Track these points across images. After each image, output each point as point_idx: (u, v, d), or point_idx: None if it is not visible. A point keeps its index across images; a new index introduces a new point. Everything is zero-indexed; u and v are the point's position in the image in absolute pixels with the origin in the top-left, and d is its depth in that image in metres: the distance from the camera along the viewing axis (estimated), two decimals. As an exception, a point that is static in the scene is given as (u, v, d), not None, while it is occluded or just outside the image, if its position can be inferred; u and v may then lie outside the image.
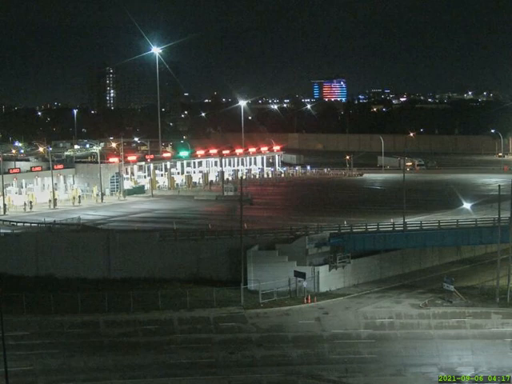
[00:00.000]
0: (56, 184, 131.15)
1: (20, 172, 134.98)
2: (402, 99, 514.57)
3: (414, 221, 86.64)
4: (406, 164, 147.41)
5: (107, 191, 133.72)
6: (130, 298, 69.76)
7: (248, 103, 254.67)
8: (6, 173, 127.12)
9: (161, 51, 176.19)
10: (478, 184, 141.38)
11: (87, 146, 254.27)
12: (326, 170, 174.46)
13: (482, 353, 55.45)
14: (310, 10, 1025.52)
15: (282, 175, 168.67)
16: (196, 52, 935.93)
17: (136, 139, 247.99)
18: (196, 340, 60.26)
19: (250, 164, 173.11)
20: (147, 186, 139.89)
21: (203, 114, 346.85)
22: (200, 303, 70.50)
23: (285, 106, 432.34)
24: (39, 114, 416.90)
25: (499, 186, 74.82)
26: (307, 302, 71.40)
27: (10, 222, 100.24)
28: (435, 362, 53.46)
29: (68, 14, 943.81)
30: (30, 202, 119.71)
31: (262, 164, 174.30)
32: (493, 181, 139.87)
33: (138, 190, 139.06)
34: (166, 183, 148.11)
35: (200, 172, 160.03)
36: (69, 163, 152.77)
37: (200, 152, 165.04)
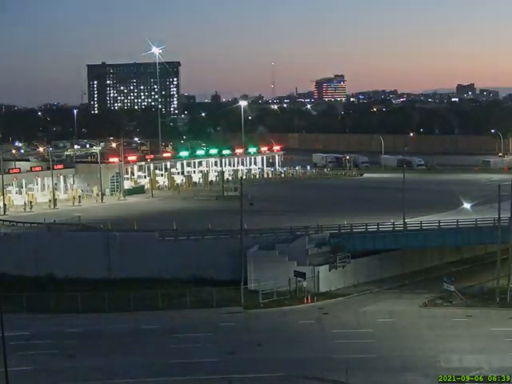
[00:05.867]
0: (56, 184, 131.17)
1: (20, 172, 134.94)
2: (401, 99, 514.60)
3: (414, 221, 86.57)
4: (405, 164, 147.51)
5: (107, 191, 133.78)
6: (130, 298, 69.77)
7: (248, 103, 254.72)
8: (6, 173, 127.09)
9: (161, 51, 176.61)
10: (476, 184, 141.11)
11: (87, 145, 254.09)
12: (325, 169, 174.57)
13: (482, 353, 55.39)
14: (310, 9, 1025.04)
15: (282, 175, 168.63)
16: (196, 51, 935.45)
17: (136, 139, 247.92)
18: (196, 340, 60.24)
19: (250, 164, 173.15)
20: (147, 186, 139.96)
21: (203, 114, 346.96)
22: (200, 303, 70.50)
23: (285, 106, 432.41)
24: (39, 113, 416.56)
25: (499, 185, 74.75)
26: (307, 302, 71.40)
27: (10, 222, 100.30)
28: (435, 362, 53.41)
29: (68, 13, 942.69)
30: (30, 202, 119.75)
31: (262, 164, 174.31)
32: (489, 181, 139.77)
33: (138, 190, 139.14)
34: (166, 183, 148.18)
35: (200, 172, 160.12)
36: (69, 163, 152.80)
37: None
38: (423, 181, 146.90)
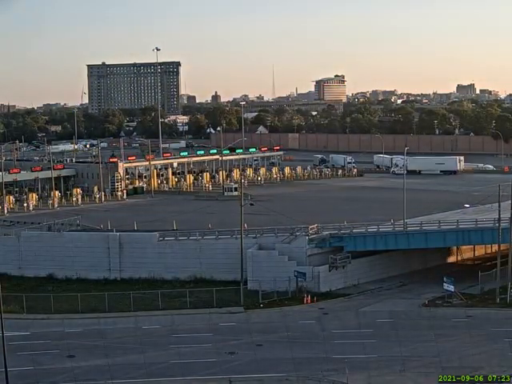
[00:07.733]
0: (56, 184, 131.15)
1: (20, 172, 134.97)
2: (401, 99, 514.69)
3: (414, 221, 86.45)
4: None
5: (107, 191, 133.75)
6: (130, 298, 69.77)
7: (248, 103, 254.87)
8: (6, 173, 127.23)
9: (160, 50, 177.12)
10: (477, 184, 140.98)
11: (87, 146, 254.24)
12: (326, 170, 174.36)
13: (482, 353, 55.39)
14: (310, 9, 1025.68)
15: (282, 175, 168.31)
16: (196, 52, 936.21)
17: (136, 139, 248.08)
18: (196, 340, 60.24)
19: (251, 164, 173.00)
20: (147, 186, 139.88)
21: (203, 114, 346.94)
22: (200, 303, 70.51)
23: (284, 105, 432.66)
24: (39, 113, 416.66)
25: (499, 185, 74.66)
26: (307, 302, 71.35)
27: (10, 221, 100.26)
28: (435, 363, 53.37)
29: (69, 12, 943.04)
30: (30, 202, 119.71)
31: (262, 164, 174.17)
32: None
33: (138, 190, 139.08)
34: (167, 183, 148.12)
35: (200, 172, 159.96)
36: (69, 163, 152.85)
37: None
38: (423, 181, 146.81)
